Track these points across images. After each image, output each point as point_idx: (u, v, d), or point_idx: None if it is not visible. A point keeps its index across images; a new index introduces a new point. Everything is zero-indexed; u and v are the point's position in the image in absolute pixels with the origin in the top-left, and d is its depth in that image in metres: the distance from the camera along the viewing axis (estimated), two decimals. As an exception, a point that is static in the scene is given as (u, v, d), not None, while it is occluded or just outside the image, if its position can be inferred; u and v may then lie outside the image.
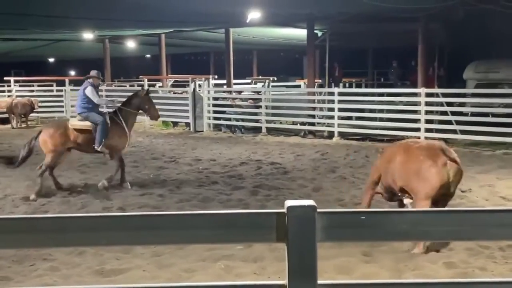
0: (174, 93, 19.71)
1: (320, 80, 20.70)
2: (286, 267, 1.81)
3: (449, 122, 13.39)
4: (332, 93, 15.42)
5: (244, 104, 17.25)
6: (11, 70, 28.45)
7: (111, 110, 9.70)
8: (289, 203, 1.82)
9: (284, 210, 1.81)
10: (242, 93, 18.71)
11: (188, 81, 19.57)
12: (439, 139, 13.31)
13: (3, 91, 21.32)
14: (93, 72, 9.21)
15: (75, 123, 8.91)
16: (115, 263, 5.40)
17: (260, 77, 23.62)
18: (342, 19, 15.66)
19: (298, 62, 29.64)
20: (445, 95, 14.14)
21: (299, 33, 18.89)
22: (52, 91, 22.22)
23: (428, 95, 13.79)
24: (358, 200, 7.67)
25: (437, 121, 13.87)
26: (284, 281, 1.80)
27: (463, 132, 12.89)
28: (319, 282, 1.82)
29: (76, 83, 22.69)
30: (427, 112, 13.56)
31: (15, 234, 1.98)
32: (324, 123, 15.50)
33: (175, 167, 10.70)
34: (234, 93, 18.45)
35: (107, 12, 14.86)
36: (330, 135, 14.74)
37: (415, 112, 13.98)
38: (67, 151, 8.97)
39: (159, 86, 21.09)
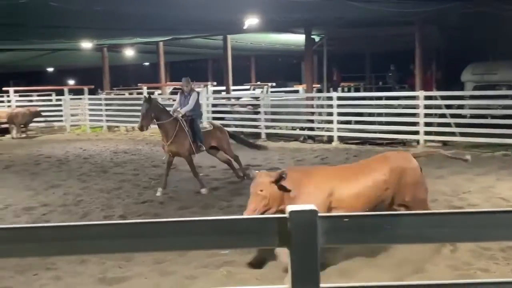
0: (173, 100, 19.70)
1: (319, 85, 20.75)
2: (289, 271, 1.82)
3: (448, 125, 13.42)
4: (330, 98, 15.45)
5: (243, 110, 17.28)
6: (10, 81, 28.49)
7: None
8: (291, 208, 1.83)
9: (286, 215, 1.82)
10: (241, 99, 18.75)
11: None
12: (438, 141, 13.39)
13: (3, 101, 21.35)
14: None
15: None
16: (118, 271, 5.40)
17: (258, 83, 23.67)
18: (339, 24, 15.71)
19: (296, 67, 29.69)
20: (443, 97, 14.18)
21: (297, 39, 18.94)
22: (51, 100, 22.26)
23: (427, 98, 13.83)
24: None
25: (436, 123, 13.91)
26: (288, 286, 1.82)
27: (462, 134, 12.92)
28: (321, 285, 1.84)
29: (76, 92, 22.77)
30: (426, 115, 13.59)
31: (19, 244, 1.99)
32: (323, 128, 15.53)
33: (175, 174, 10.70)
34: (233, 100, 18.48)
35: (106, 22, 14.90)
36: (330, 139, 14.76)
37: (413, 115, 14.01)
38: None
39: (158, 94, 21.12)
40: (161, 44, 20.76)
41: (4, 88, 21.68)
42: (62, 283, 5.15)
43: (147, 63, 32.99)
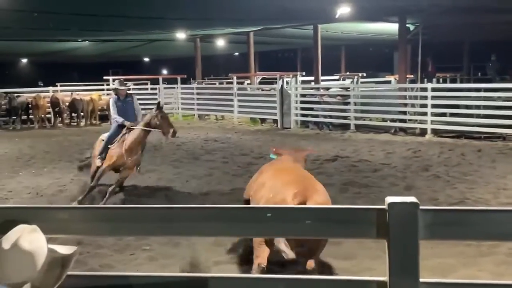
0: (262, 90, 19.95)
1: (412, 76, 20.05)
2: (387, 263, 1.78)
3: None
4: (425, 89, 14.88)
5: (332, 101, 17.09)
6: (109, 70, 30.11)
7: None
8: (390, 199, 1.79)
9: (385, 207, 1.78)
10: (330, 90, 18.55)
11: (275, 78, 19.71)
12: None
13: (103, 89, 22.62)
14: (115, 83, 8.84)
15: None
16: (208, 255, 5.56)
17: (348, 73, 23.29)
18: (435, 11, 15.03)
19: (388, 57, 28.88)
20: (550, 90, 13.17)
21: (390, 28, 18.40)
22: (147, 89, 23.27)
23: (531, 90, 12.93)
24: (453, 200, 7.36)
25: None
26: (385, 278, 1.78)
27: None
28: (421, 280, 1.78)
29: (169, 81, 23.65)
30: (529, 108, 12.73)
31: (123, 222, 2.10)
32: (416, 120, 15.00)
33: (263, 163, 10.80)
34: (322, 90, 18.33)
35: (199, 12, 15.31)
36: (423, 132, 14.24)
37: (515, 108, 13.16)
38: None
39: (248, 84, 21.42)
40: (251, 34, 21.00)
41: (104, 77, 22.95)
42: (156, 264, 5.39)
43: (237, 53, 33.56)
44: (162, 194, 8.36)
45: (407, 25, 17.25)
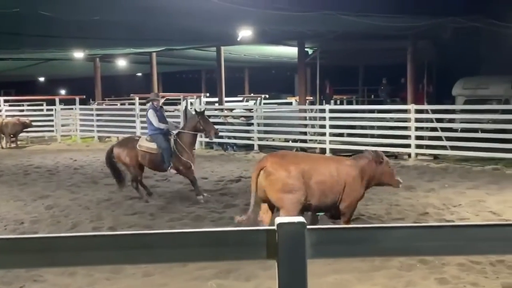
0: (166, 111, 19.69)
1: (312, 97, 20.82)
2: (277, 283, 1.81)
3: (439, 138, 13.49)
4: (323, 110, 15.50)
5: (236, 122, 17.29)
6: (1, 90, 28.38)
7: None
8: (279, 220, 1.82)
9: (274, 227, 1.80)
10: (234, 111, 18.77)
11: (179, 99, 19.60)
12: (430, 154, 13.45)
13: (-6, 111, 21.25)
14: (152, 95, 10.17)
15: (143, 143, 9.37)
16: (106, 283, 5.35)
17: (252, 94, 23.72)
18: (332, 37, 15.81)
19: (289, 80, 29.83)
20: (434, 111, 14.26)
21: (290, 51, 19.03)
22: (42, 110, 22.17)
23: (418, 111, 13.92)
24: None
25: (427, 137, 13.98)
26: (275, 299, 1.79)
27: (453, 148, 12.98)
28: (310, 299, 1.81)
29: (67, 102, 22.70)
30: (417, 129, 13.67)
31: (4, 255, 1.95)
32: (316, 140, 15.55)
33: (167, 186, 10.65)
34: (226, 111, 18.50)
35: (98, 31, 14.91)
36: (322, 151, 14.79)
37: (405, 128, 14.08)
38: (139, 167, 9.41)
39: (151, 105, 21.06)
40: (154, 54, 20.78)
41: (-5, 98, 21.59)
42: (49, 295, 5.08)
43: (140, 74, 33.01)
44: (54, 221, 7.93)
45: (306, 49, 17.95)
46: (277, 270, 1.80)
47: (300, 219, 1.80)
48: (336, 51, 19.32)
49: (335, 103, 21.15)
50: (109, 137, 20.32)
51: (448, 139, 13.26)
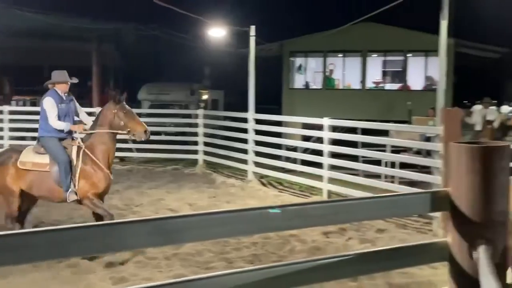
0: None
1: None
2: None
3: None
4: (1, 112, 14.10)
5: None
6: None
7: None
8: None
9: None
10: None
11: None
12: (116, 157, 13.61)
13: None
14: (54, 74, 6.17)
15: (27, 159, 5.89)
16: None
17: None
18: (9, 33, 14.57)
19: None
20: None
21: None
22: None
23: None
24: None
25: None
26: None
27: (139, 150, 13.46)
28: None
29: None
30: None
31: None
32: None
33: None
34: None
35: None
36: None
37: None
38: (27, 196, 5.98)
39: None
40: None
41: None
42: None
43: None
44: None
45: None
46: None
47: None
48: (17, 48, 17.91)
49: (17, 104, 19.60)
50: None
51: (135, 142, 13.63)
